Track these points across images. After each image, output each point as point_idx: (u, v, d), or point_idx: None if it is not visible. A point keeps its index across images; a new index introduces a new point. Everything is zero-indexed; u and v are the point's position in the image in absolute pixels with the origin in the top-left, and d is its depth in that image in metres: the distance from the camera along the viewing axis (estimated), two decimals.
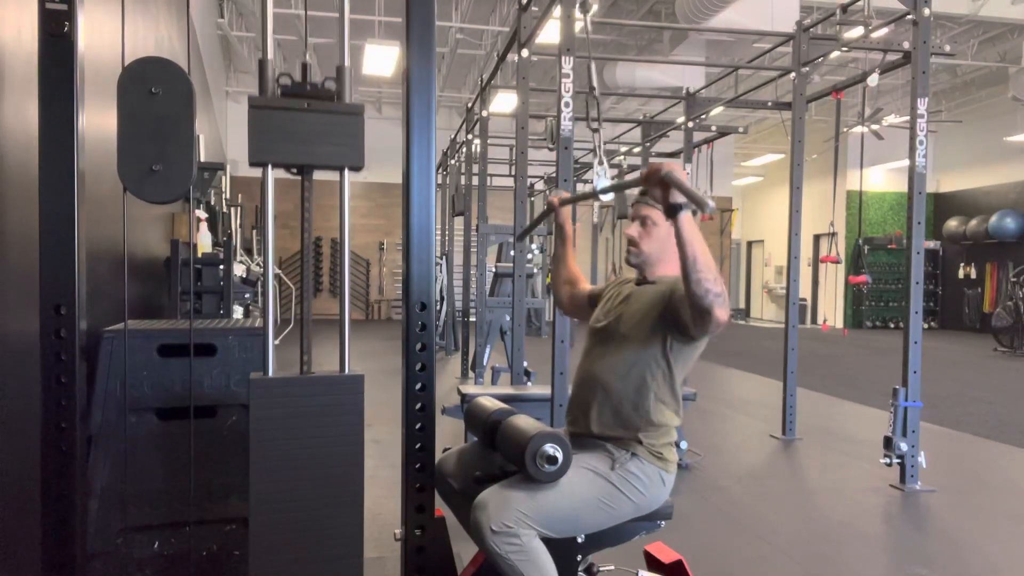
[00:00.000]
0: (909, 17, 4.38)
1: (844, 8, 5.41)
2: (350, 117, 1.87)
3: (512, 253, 5.39)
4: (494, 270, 9.14)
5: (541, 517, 1.81)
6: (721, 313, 1.78)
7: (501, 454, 2.02)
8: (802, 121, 5.61)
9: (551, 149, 4.29)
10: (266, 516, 1.80)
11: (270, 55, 1.94)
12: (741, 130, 8.19)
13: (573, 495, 1.87)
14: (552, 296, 2.54)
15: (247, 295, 6.04)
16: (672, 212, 1.80)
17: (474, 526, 1.80)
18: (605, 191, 2.41)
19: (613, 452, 1.97)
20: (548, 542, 1.84)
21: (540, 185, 13.39)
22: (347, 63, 1.92)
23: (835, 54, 5.59)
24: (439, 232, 11.55)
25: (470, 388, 4.42)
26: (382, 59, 10.10)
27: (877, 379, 8.51)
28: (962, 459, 5.15)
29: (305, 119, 1.82)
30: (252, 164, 1.83)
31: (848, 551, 3.32)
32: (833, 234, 6.78)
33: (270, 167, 1.83)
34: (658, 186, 1.81)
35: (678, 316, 1.96)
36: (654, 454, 1.99)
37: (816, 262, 17.22)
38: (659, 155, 8.85)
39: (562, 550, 1.90)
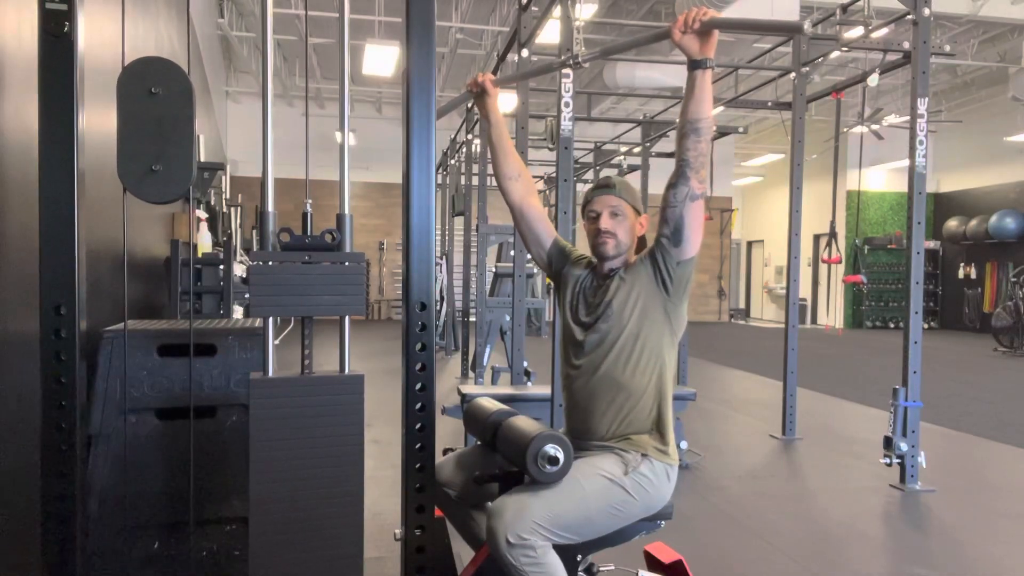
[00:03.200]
0: (909, 17, 4.38)
1: (844, 8, 5.41)
2: (351, 266, 1.89)
3: (512, 253, 5.39)
4: (494, 270, 9.14)
5: (556, 526, 1.79)
6: (704, 171, 1.92)
7: (502, 455, 2.01)
8: (802, 121, 5.61)
9: (551, 149, 4.29)
10: (266, 516, 1.80)
11: (270, 57, 1.94)
12: (741, 130, 8.19)
13: (588, 503, 1.85)
14: (514, 222, 2.32)
15: (247, 295, 6.03)
16: (702, 65, 1.80)
17: (489, 534, 1.78)
18: (593, 56, 2.22)
19: (625, 455, 1.95)
20: (557, 544, 1.83)
21: (540, 185, 13.39)
22: (347, 211, 1.95)
23: (835, 54, 5.59)
24: (439, 232, 11.55)
25: (470, 388, 4.42)
26: (382, 59, 10.10)
27: (877, 379, 8.51)
28: (962, 459, 5.15)
29: (305, 271, 1.85)
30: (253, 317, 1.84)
31: (848, 551, 3.32)
32: (834, 234, 6.78)
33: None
34: (692, 35, 1.77)
35: (664, 249, 1.97)
36: (661, 450, 1.98)
37: (816, 262, 17.24)
38: (659, 155, 8.84)
39: (562, 550, 1.90)
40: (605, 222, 2.06)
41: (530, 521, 1.76)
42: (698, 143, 1.88)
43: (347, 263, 1.89)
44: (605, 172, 12.14)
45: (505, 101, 9.21)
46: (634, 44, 2.14)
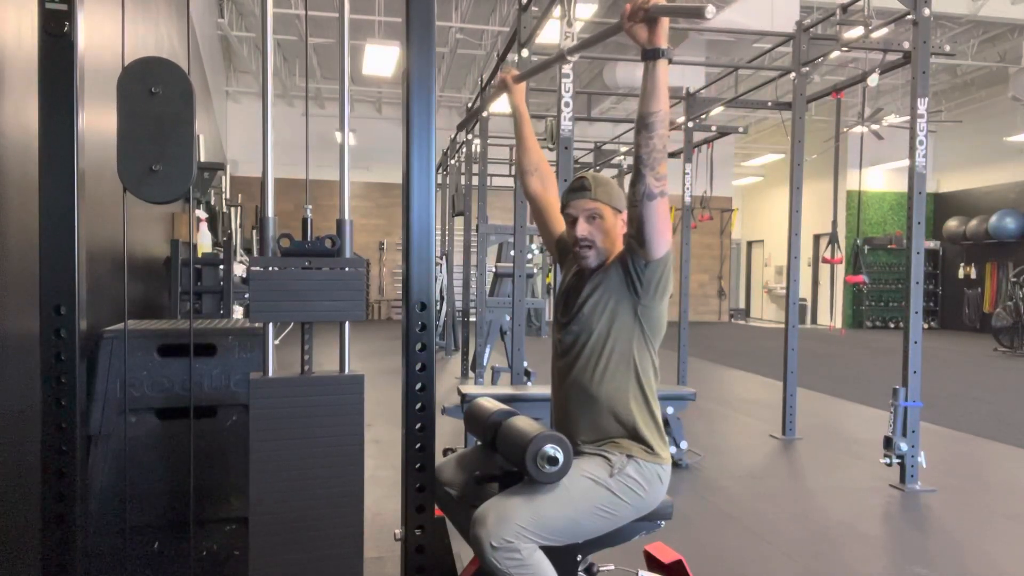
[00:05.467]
0: (909, 17, 4.39)
1: (844, 8, 5.41)
2: (351, 271, 1.89)
3: (512, 253, 5.39)
4: (494, 270, 9.15)
5: (541, 529, 1.79)
6: (662, 168, 1.82)
7: (502, 455, 2.01)
8: (802, 121, 5.61)
9: (551, 149, 4.29)
10: (266, 516, 1.80)
11: (270, 57, 1.94)
12: (741, 130, 8.19)
13: (572, 505, 1.84)
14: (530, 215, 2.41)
15: (247, 295, 6.02)
16: (653, 56, 1.75)
17: (474, 541, 1.78)
18: (575, 50, 2.23)
19: (610, 458, 1.94)
20: (547, 546, 1.83)
21: None
22: (347, 216, 1.94)
23: (835, 54, 5.59)
24: (439, 232, 11.55)
25: (470, 388, 4.42)
26: (382, 59, 10.10)
27: (877, 379, 8.51)
28: (962, 459, 5.15)
29: (305, 277, 1.85)
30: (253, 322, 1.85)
31: (848, 551, 3.32)
32: (835, 235, 6.78)
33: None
34: (641, 24, 1.72)
35: (632, 250, 1.91)
36: (649, 452, 1.96)
37: (816, 262, 17.24)
38: None
39: (562, 550, 1.90)
40: (582, 229, 2.00)
41: (514, 525, 1.75)
42: (650, 139, 1.80)
43: (347, 268, 1.89)
44: (605, 172, 12.15)
45: (506, 101, 9.19)
46: (597, 38, 2.12)
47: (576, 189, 2.04)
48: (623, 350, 1.97)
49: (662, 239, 1.87)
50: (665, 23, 1.74)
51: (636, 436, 1.97)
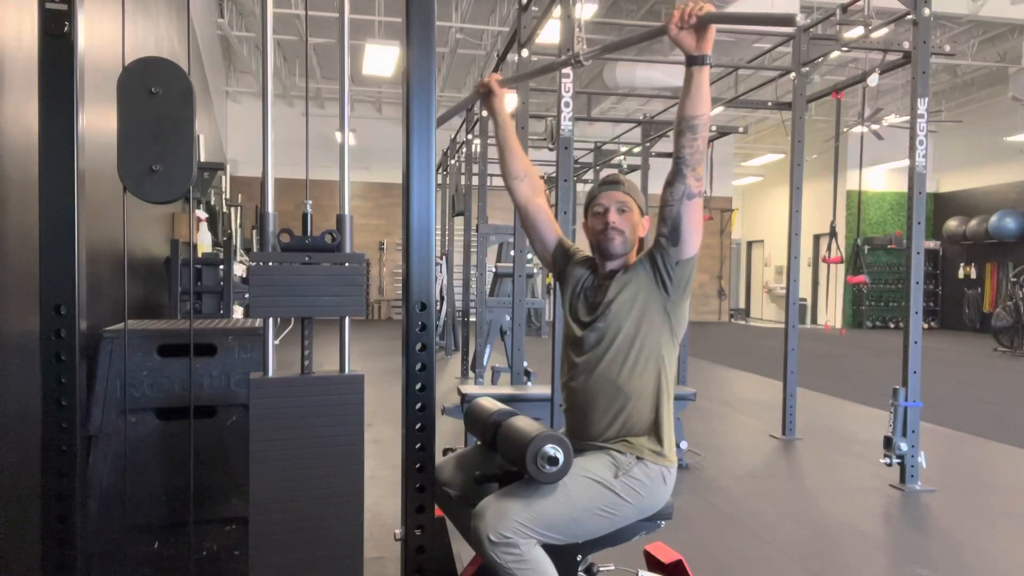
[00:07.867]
0: (909, 17, 4.39)
1: (844, 8, 5.41)
2: (351, 267, 1.89)
3: (512, 253, 5.39)
4: (494, 270, 9.15)
5: (539, 526, 1.78)
6: (701, 169, 1.90)
7: (502, 455, 2.01)
8: (802, 121, 5.61)
9: (551, 149, 4.29)
10: (266, 516, 1.80)
11: (270, 57, 1.94)
12: (741, 130, 8.18)
13: (573, 504, 1.83)
14: (521, 224, 2.38)
15: (247, 295, 6.03)
16: (700, 62, 1.79)
17: (473, 535, 1.78)
18: (592, 54, 2.20)
19: (617, 458, 1.93)
20: (547, 543, 1.83)
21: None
22: (347, 212, 1.94)
23: (835, 54, 5.60)
24: (439, 232, 11.55)
25: (470, 388, 4.42)
26: (382, 59, 10.11)
27: (877, 379, 8.51)
28: (962, 459, 5.15)
29: (305, 272, 1.85)
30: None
31: (848, 551, 3.32)
32: (834, 233, 6.79)
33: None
34: (688, 31, 1.76)
35: (662, 248, 1.96)
36: (658, 453, 1.96)
37: (816, 262, 17.24)
38: (659, 155, 8.83)
39: (562, 550, 1.90)
40: (613, 216, 2.05)
41: (511, 520, 1.76)
42: (694, 140, 1.86)
43: (347, 264, 1.89)
44: (605, 172, 12.14)
45: (505, 101, 9.18)
46: (632, 41, 2.13)
47: (610, 183, 2.11)
48: (652, 346, 1.99)
49: (696, 238, 1.94)
50: (712, 30, 1.78)
51: (656, 432, 1.97)
